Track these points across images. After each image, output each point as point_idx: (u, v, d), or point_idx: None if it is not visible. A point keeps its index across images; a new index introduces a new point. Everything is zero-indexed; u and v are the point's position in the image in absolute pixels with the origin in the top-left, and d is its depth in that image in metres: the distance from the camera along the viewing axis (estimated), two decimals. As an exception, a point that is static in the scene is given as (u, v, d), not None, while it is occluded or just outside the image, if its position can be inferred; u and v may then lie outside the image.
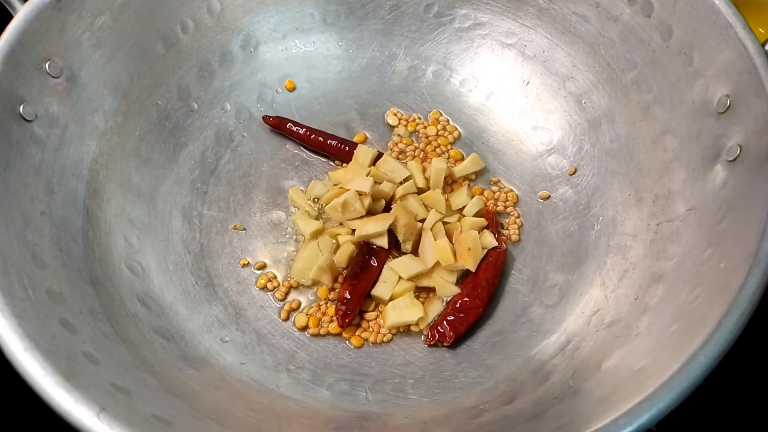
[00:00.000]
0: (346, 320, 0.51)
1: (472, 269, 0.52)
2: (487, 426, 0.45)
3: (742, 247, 0.39)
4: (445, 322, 0.51)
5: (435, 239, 0.53)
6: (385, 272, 0.53)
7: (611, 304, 0.48)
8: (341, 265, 0.54)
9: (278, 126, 0.60)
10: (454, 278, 0.53)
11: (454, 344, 0.51)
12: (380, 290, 0.52)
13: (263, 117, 0.60)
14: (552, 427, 0.41)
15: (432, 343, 0.51)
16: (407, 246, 0.54)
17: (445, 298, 0.53)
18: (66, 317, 0.41)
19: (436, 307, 0.52)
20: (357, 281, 0.52)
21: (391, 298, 0.52)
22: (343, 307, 0.51)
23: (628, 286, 0.48)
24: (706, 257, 0.42)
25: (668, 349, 0.39)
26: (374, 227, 0.53)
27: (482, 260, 0.53)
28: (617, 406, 0.36)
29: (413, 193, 0.56)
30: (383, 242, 0.53)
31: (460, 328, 0.50)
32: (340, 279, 0.54)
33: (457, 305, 0.51)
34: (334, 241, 0.55)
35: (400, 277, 0.53)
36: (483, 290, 0.52)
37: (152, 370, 0.43)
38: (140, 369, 0.43)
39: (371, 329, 0.52)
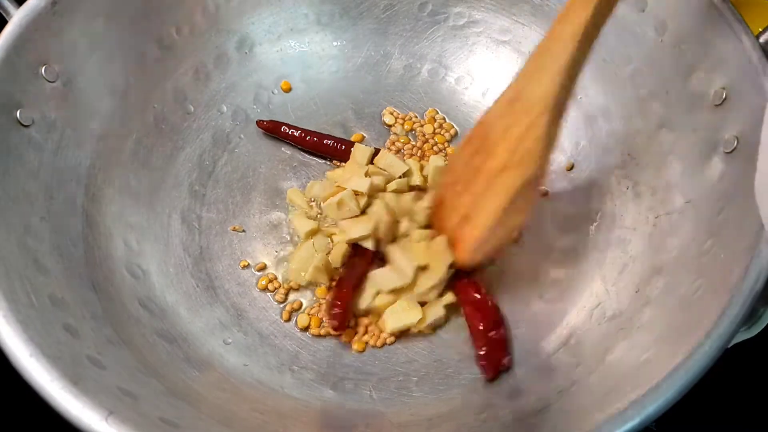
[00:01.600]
0: (338, 322, 0.50)
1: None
2: (492, 422, 0.45)
3: (742, 238, 0.39)
4: (482, 363, 0.48)
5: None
6: (367, 282, 0.52)
7: (612, 298, 0.49)
8: (336, 265, 0.53)
9: (273, 130, 0.60)
10: (439, 290, 0.51)
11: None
12: (360, 301, 0.52)
13: (257, 122, 0.60)
14: (556, 420, 0.42)
15: (492, 377, 0.48)
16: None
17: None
18: (69, 322, 0.41)
19: (436, 310, 0.51)
20: (346, 282, 0.51)
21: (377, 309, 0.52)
22: (335, 311, 0.50)
23: (629, 279, 0.49)
24: (705, 249, 0.43)
25: (671, 340, 0.40)
26: (358, 230, 0.52)
27: (461, 277, 0.51)
28: (622, 399, 0.36)
29: (403, 191, 0.56)
30: (369, 244, 0.52)
31: (498, 357, 0.48)
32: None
33: (482, 346, 0.49)
34: (329, 240, 0.55)
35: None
36: (492, 311, 0.50)
37: (157, 374, 0.43)
38: (145, 372, 0.42)
39: (372, 333, 0.52)
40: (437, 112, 0.62)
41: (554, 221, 0.56)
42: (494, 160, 0.47)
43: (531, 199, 0.47)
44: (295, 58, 0.63)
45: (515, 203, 0.47)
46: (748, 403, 0.55)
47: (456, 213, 0.51)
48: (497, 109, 0.47)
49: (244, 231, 0.56)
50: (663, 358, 0.38)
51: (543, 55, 0.44)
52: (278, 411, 0.46)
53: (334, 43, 0.64)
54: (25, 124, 0.46)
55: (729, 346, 0.37)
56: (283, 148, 0.61)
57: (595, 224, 0.54)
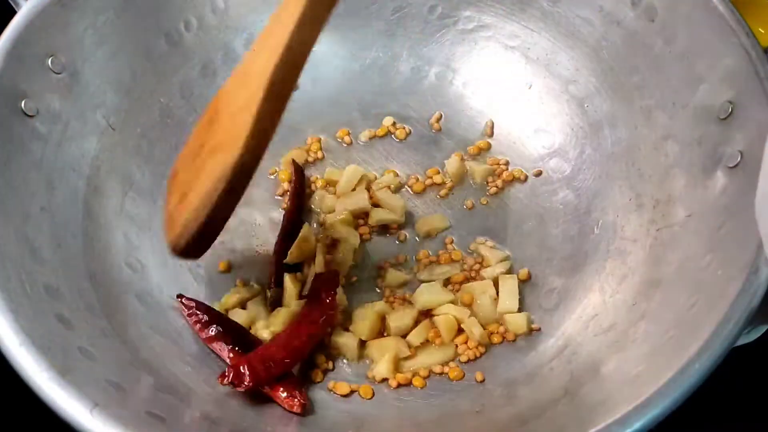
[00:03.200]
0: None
1: None
2: (482, 429, 0.45)
3: (741, 255, 0.39)
4: (247, 366, 0.45)
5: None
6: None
7: (609, 309, 0.48)
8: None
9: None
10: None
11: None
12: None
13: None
14: (547, 430, 0.41)
15: (226, 383, 0.45)
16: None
17: None
18: (63, 313, 0.41)
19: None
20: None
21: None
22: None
23: (627, 291, 0.48)
24: (704, 264, 0.42)
25: (664, 355, 0.39)
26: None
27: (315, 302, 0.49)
28: (612, 412, 0.36)
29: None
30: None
31: (261, 375, 0.45)
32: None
33: (270, 352, 0.46)
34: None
35: None
36: (302, 346, 0.47)
37: (148, 368, 0.44)
38: (136, 366, 0.43)
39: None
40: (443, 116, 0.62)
41: (555, 229, 0.56)
42: (214, 136, 0.43)
43: (240, 188, 0.42)
44: (302, 56, 0.63)
45: (223, 189, 0.41)
46: (748, 404, 0.54)
47: (178, 190, 0.45)
48: (230, 80, 0.44)
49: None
50: (654, 373, 0.37)
51: (266, 33, 0.42)
52: (268, 410, 0.46)
53: (343, 43, 0.64)
54: (29, 114, 0.47)
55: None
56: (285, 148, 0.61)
57: (595, 234, 0.53)
